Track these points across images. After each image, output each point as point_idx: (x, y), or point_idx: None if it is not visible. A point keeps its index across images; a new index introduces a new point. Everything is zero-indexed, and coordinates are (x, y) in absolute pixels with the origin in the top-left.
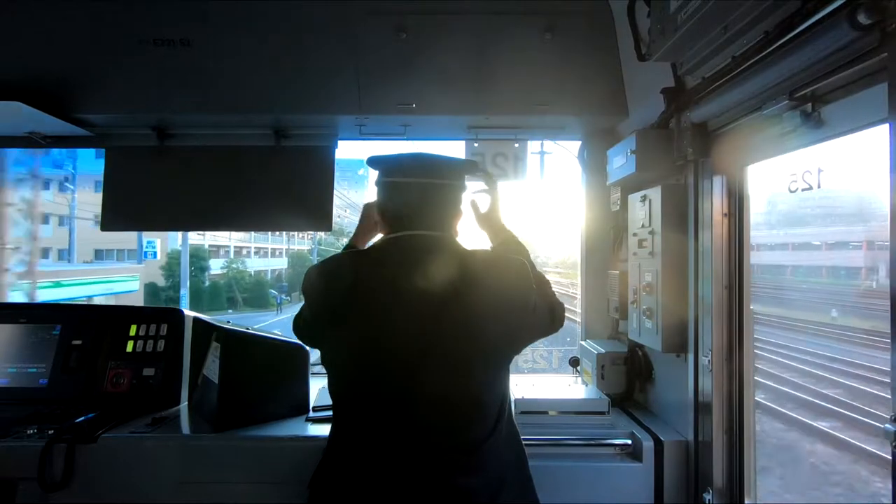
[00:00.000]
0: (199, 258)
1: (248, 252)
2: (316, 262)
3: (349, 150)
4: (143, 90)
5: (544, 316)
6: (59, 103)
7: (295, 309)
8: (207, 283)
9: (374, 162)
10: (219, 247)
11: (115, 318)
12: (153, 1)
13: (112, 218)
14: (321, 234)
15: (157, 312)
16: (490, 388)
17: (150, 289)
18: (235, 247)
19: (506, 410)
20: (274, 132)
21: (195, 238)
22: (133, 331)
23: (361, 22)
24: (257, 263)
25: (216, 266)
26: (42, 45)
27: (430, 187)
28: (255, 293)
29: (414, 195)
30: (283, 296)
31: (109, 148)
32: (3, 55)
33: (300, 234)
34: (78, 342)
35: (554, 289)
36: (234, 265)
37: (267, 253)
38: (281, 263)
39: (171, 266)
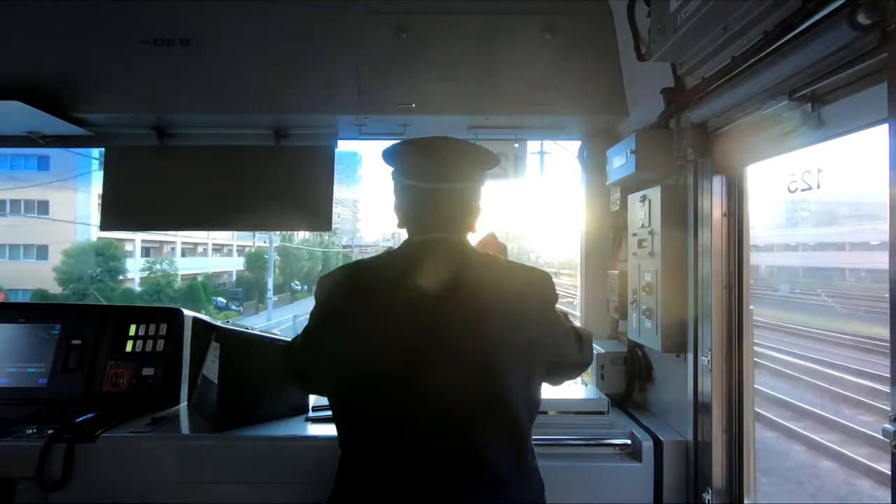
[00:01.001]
0: (107, 257)
1: (205, 250)
2: (276, 260)
3: (344, 143)
4: (142, 90)
5: (569, 336)
6: (58, 103)
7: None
8: (120, 290)
9: (389, 158)
10: (162, 242)
11: (115, 317)
12: (153, 0)
13: (111, 218)
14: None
15: (157, 312)
16: (500, 398)
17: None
18: (188, 243)
19: (527, 435)
20: (274, 132)
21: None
22: (132, 330)
23: (361, 22)
24: (213, 263)
25: (137, 267)
26: (41, 45)
27: (449, 191)
28: (187, 303)
29: (430, 198)
30: (235, 305)
31: (109, 147)
32: (2, 54)
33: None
34: (77, 342)
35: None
36: (157, 265)
37: (231, 250)
38: (240, 264)
39: (69, 268)
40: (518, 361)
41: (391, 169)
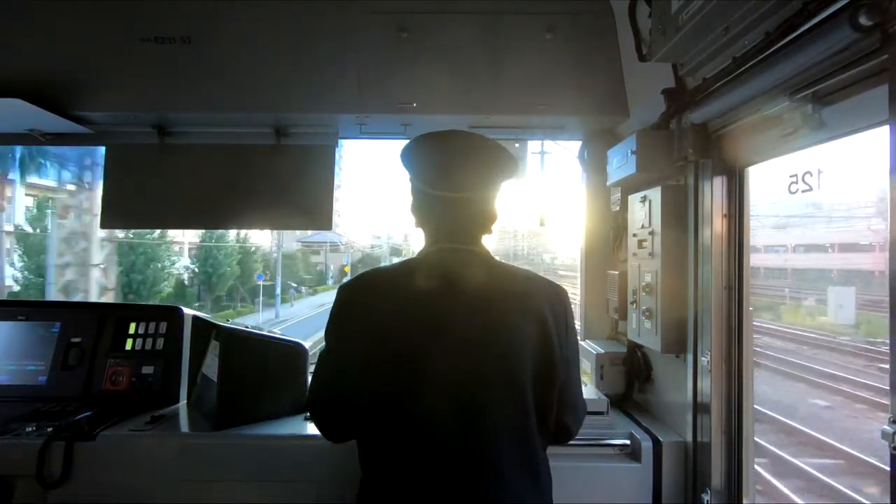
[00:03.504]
0: None
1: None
2: (136, 262)
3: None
4: (143, 88)
5: (578, 374)
6: (59, 101)
7: None
8: None
9: (406, 161)
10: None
11: (115, 315)
12: None
13: (111, 216)
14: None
15: (157, 310)
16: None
17: None
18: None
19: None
20: (275, 131)
21: None
22: (132, 329)
23: (362, 21)
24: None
25: None
26: (42, 42)
27: (469, 200)
28: None
29: (449, 207)
30: None
31: (110, 145)
32: (3, 52)
33: None
34: (77, 340)
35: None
36: None
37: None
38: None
39: None
40: (529, 357)
41: (407, 173)
